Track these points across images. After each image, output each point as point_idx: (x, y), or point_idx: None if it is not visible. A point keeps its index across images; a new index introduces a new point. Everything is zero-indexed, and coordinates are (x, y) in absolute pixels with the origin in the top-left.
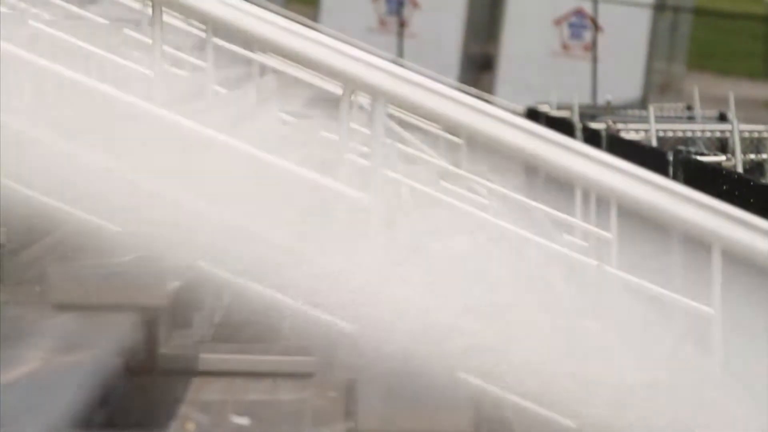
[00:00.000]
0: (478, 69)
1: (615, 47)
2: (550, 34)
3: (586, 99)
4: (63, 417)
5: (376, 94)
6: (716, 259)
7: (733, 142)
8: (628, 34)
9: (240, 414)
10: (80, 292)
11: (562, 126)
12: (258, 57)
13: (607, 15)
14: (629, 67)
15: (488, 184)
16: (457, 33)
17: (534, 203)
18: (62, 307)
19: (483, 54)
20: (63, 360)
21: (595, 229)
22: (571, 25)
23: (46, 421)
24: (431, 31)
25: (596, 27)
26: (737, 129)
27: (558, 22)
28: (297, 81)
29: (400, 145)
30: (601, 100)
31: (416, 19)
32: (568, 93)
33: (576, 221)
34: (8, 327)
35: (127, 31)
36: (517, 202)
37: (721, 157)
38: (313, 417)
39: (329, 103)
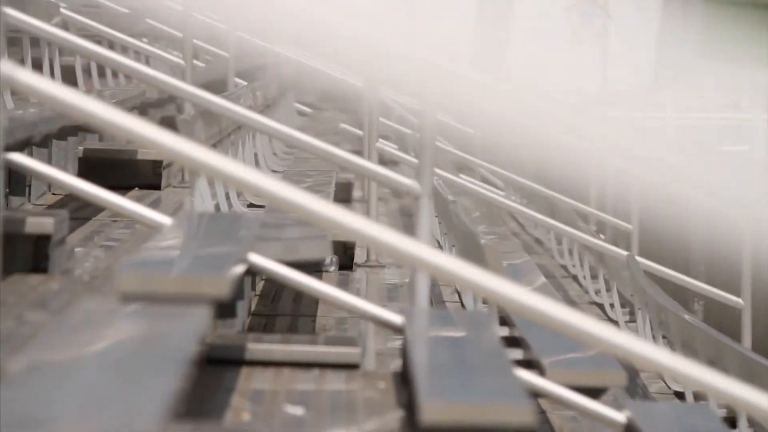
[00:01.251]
0: (488, 57)
1: (625, 35)
2: (560, 21)
3: (596, 87)
4: (152, 407)
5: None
6: (746, 249)
7: (753, 130)
8: (638, 22)
9: (293, 404)
10: (145, 282)
11: None
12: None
13: (617, 2)
14: (640, 54)
15: (503, 173)
16: (468, 18)
17: (546, 191)
18: (128, 298)
19: (494, 40)
20: (143, 349)
21: (614, 219)
22: (582, 13)
23: (139, 411)
24: (440, 19)
25: (607, 14)
26: (760, 118)
27: (568, 10)
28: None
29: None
30: (612, 88)
31: (425, 7)
32: (578, 80)
33: (592, 210)
34: (79, 316)
35: None
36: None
37: (743, 146)
38: (365, 408)
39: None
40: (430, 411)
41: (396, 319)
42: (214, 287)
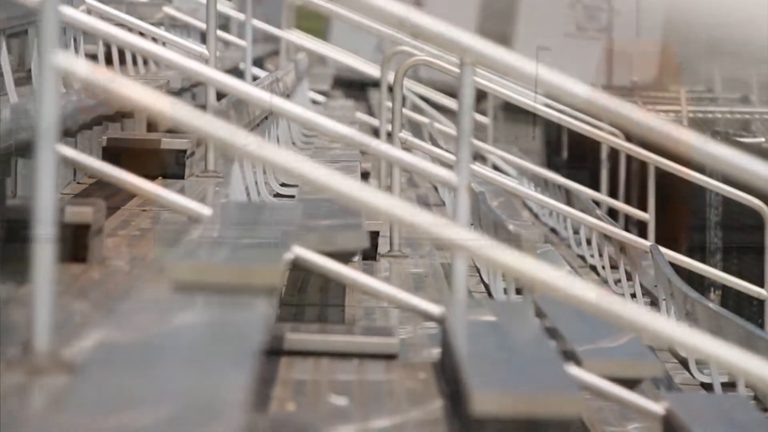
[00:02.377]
0: None
1: (630, 29)
2: (564, 15)
3: (601, 81)
4: (228, 396)
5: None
6: None
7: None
8: (643, 16)
9: (336, 394)
10: (197, 272)
11: None
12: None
13: None
14: (644, 48)
15: (516, 160)
16: (472, 13)
17: (561, 179)
18: (180, 287)
19: (498, 35)
20: (213, 338)
21: (630, 209)
22: (586, 7)
23: (214, 404)
24: (446, 11)
25: (611, 8)
26: None
27: (573, 4)
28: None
29: (437, 125)
30: (616, 82)
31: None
32: (583, 75)
33: (604, 197)
34: (138, 305)
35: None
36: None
37: (760, 138)
38: (408, 398)
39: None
40: (481, 401)
41: (434, 308)
42: (266, 277)
